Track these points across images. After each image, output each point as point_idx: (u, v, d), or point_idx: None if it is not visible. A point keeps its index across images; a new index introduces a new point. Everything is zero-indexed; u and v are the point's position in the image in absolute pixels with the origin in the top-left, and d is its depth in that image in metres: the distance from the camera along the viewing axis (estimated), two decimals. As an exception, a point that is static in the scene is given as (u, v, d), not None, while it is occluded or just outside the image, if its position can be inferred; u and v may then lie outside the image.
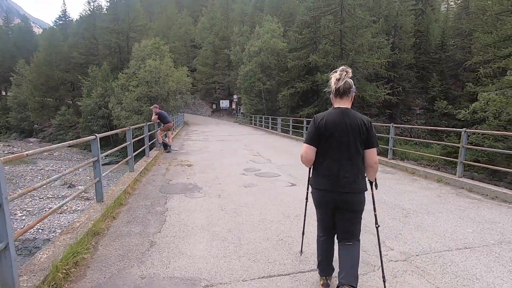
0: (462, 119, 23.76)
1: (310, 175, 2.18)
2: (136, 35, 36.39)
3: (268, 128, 20.09)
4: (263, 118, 22.02)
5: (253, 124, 25.81)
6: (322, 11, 21.02)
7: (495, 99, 20.50)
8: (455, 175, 5.34)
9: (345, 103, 2.00)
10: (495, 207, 4.04)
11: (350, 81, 1.99)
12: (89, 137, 3.72)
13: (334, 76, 2.01)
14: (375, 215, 2.13)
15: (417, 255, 2.71)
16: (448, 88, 30.95)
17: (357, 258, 1.97)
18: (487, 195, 4.57)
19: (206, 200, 4.36)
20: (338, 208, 1.98)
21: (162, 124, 9.15)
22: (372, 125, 1.96)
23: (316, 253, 2.21)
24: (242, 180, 5.61)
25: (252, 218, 3.65)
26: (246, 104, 28.25)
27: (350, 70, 2.00)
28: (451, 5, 43.19)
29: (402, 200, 4.35)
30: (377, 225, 2.10)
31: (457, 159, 5.29)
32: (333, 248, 2.16)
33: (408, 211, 3.88)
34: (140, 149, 7.36)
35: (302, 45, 22.93)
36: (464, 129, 5.08)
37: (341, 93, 1.98)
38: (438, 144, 19.29)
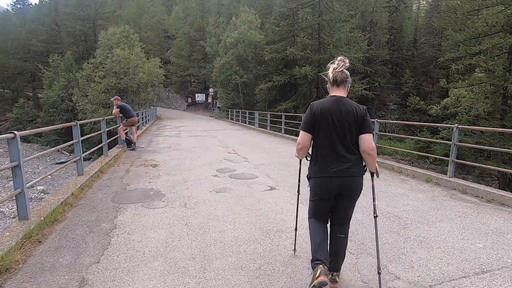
0: (434, 114, 24.48)
1: (303, 166, 2.18)
2: (104, 23, 33.95)
3: (245, 123, 19.37)
4: (240, 112, 21.25)
5: (229, 118, 24.95)
6: (300, 3, 20.46)
7: (464, 95, 21.20)
8: (445, 174, 4.96)
9: (341, 92, 2.02)
10: (496, 213, 3.63)
11: (347, 71, 2.03)
12: (5, 135, 2.81)
13: (332, 66, 2.05)
14: (374, 205, 2.13)
15: (430, 287, 2.15)
16: (420, 84, 31.85)
17: (345, 250, 2.11)
18: (482, 197, 4.18)
19: (168, 212, 3.58)
20: (340, 193, 2.00)
21: (125, 119, 8.13)
22: (367, 112, 1.98)
23: (311, 245, 2.04)
24: (214, 183, 4.87)
25: (223, 236, 2.94)
26: (223, 98, 27.29)
27: (347, 61, 2.03)
28: (422, 3, 44.47)
29: (395, 207, 3.83)
30: (375, 215, 2.10)
31: (447, 157, 4.90)
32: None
33: (405, 221, 3.35)
34: (96, 147, 6.37)
35: (280, 37, 22.30)
36: (456, 125, 4.67)
37: (338, 82, 2.01)
38: (420, 140, 19.55)
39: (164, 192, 4.37)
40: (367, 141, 1.93)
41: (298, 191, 2.64)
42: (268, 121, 14.62)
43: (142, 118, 14.98)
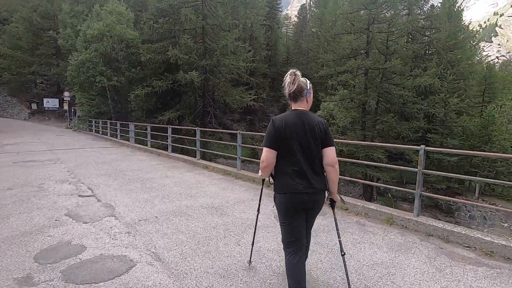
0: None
1: (271, 181, 2.04)
2: None
3: (116, 137, 15.11)
4: (109, 123, 16.66)
5: (94, 131, 19.51)
6: (182, 1, 18.12)
7: (332, 108, 24.05)
8: (410, 212, 3.75)
9: (300, 106, 1.96)
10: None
11: (304, 83, 1.94)
12: None
13: (286, 80, 1.97)
14: (340, 242, 2.10)
15: None
16: (294, 98, 35.06)
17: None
18: (475, 248, 3.04)
19: None
20: (305, 209, 1.95)
21: None
22: (328, 126, 1.97)
23: (287, 280, 1.93)
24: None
25: None
26: (84, 105, 21.30)
27: (299, 73, 1.95)
28: (290, 27, 50.36)
29: (382, 281, 2.09)
30: (342, 253, 2.05)
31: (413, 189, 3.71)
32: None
33: None
34: None
35: (159, 36, 19.15)
36: (422, 146, 3.52)
37: (293, 96, 1.95)
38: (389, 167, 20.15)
39: None
40: (331, 154, 1.93)
41: (258, 210, 2.56)
42: (149, 135, 11.39)
43: None
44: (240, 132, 6.61)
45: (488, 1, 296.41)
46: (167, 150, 9.90)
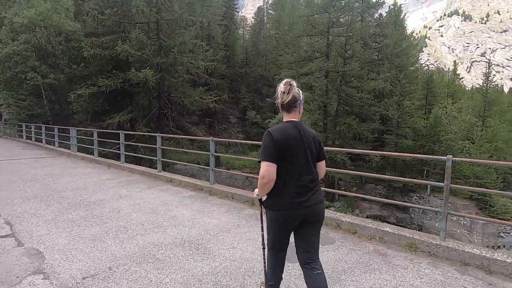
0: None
1: (264, 199, 1.89)
2: None
3: (53, 145, 12.80)
4: (44, 128, 14.12)
5: (24, 137, 16.53)
6: (132, -9, 16.29)
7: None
8: (428, 233, 3.16)
9: (294, 116, 1.89)
10: None
11: (297, 93, 1.86)
12: None
13: (280, 89, 1.85)
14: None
15: None
16: (254, 99, 34.64)
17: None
18: (524, 280, 2.53)
19: None
20: (305, 223, 1.86)
21: None
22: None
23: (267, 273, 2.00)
24: None
25: None
26: (11, 106, 18.01)
27: (294, 83, 1.86)
28: (247, 29, 49.98)
29: None
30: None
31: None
32: None
33: None
34: None
35: (106, 29, 16.99)
36: (449, 157, 2.96)
37: (287, 107, 1.87)
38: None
39: None
40: (323, 168, 1.97)
41: (263, 244, 2.11)
42: (95, 142, 9.61)
43: None
44: (214, 139, 5.59)
45: (418, 15, 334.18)
46: (119, 160, 8.38)
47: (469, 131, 19.53)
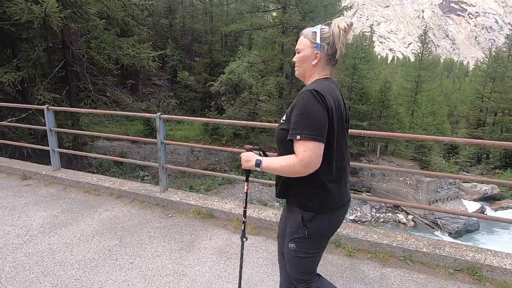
0: (214, 91, 23.03)
1: (311, 195, 1.27)
2: None
3: None
4: None
5: None
6: None
7: (243, 70, 20.94)
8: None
9: (332, 74, 1.34)
10: None
11: None
12: None
13: (339, 32, 1.24)
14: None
15: None
16: (182, 58, 29.39)
17: None
18: None
19: None
20: None
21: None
22: None
23: None
24: None
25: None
26: None
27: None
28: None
29: None
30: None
31: None
32: None
33: None
34: None
35: None
36: None
37: (337, 59, 1.31)
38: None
39: None
40: None
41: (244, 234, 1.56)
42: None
43: None
44: (162, 116, 2.83)
45: None
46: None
47: (407, 96, 20.87)
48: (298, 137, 1.14)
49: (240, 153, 1.40)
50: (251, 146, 1.40)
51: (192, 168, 19.71)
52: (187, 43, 30.74)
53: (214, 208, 2.97)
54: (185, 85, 26.66)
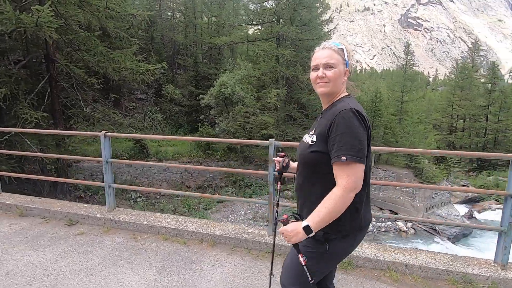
0: (204, 105, 22.29)
1: (342, 216, 1.16)
2: None
3: None
4: None
5: None
6: None
7: (233, 83, 20.50)
8: None
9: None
10: None
11: None
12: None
13: (344, 49, 1.27)
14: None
15: None
16: (165, 71, 28.40)
17: None
18: None
19: None
20: None
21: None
22: None
23: None
24: None
25: None
26: None
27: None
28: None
29: None
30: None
31: None
32: None
33: None
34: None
35: None
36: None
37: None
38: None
39: None
40: None
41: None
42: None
43: None
44: (107, 134, 2.50)
45: None
46: None
47: (394, 105, 21.64)
48: (344, 158, 1.09)
49: (279, 230, 1.23)
50: (286, 216, 1.21)
51: (187, 185, 18.67)
52: (169, 55, 29.84)
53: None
54: (170, 99, 25.61)
